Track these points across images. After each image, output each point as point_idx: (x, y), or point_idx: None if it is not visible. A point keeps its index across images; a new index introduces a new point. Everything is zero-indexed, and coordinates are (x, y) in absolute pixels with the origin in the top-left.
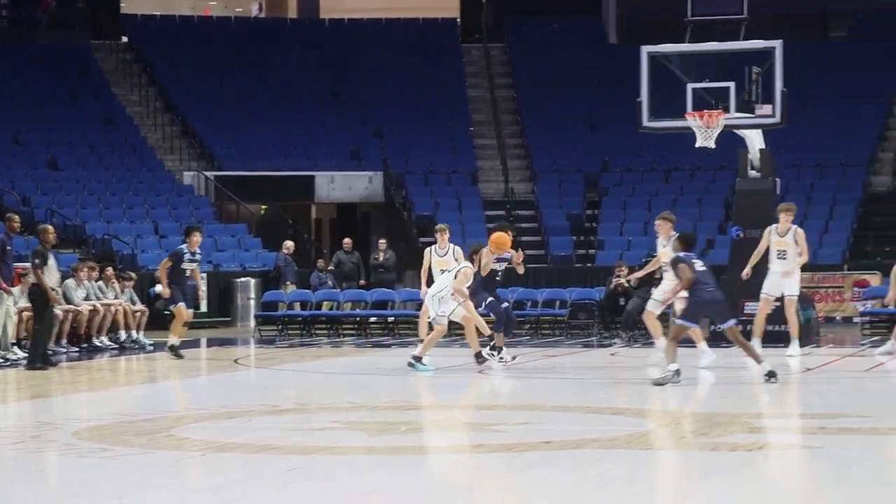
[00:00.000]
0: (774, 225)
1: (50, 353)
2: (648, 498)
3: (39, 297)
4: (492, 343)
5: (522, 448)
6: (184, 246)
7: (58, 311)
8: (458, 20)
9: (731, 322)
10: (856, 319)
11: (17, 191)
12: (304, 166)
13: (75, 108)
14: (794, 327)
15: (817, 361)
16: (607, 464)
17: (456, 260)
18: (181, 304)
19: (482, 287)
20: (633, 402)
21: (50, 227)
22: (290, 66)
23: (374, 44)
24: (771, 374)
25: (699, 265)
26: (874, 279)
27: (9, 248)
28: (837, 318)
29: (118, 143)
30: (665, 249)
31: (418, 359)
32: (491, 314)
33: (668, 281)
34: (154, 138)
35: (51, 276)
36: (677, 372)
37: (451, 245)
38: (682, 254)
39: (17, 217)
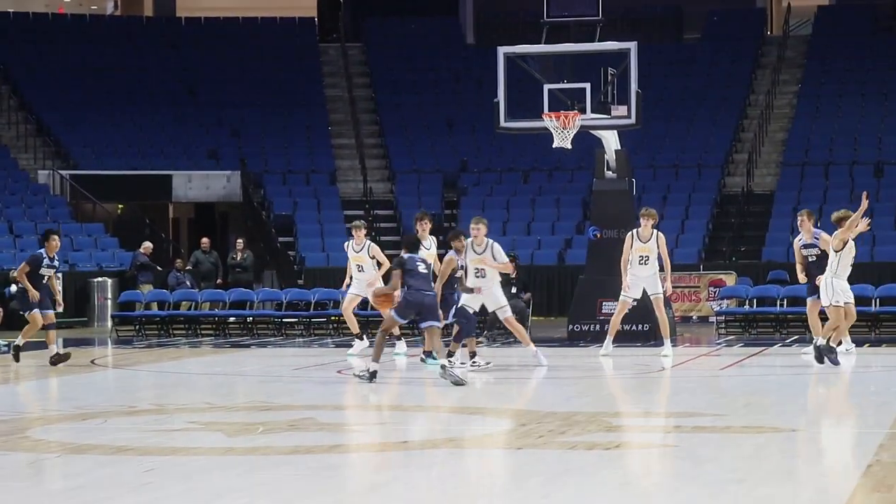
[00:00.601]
0: (635, 230)
1: None
2: (505, 497)
3: None
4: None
5: (380, 448)
6: (42, 251)
7: None
8: (316, 20)
9: (431, 324)
10: (711, 319)
11: None
12: (162, 165)
13: None
14: (664, 326)
15: (674, 361)
16: (464, 464)
17: (371, 257)
18: (35, 311)
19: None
20: (493, 402)
21: None
22: (146, 65)
23: (231, 43)
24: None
25: (422, 267)
26: (729, 279)
27: None
28: (694, 317)
29: None
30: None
31: (428, 353)
32: (457, 322)
33: None
34: (8, 136)
35: None
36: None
37: (367, 241)
38: (405, 255)
39: None
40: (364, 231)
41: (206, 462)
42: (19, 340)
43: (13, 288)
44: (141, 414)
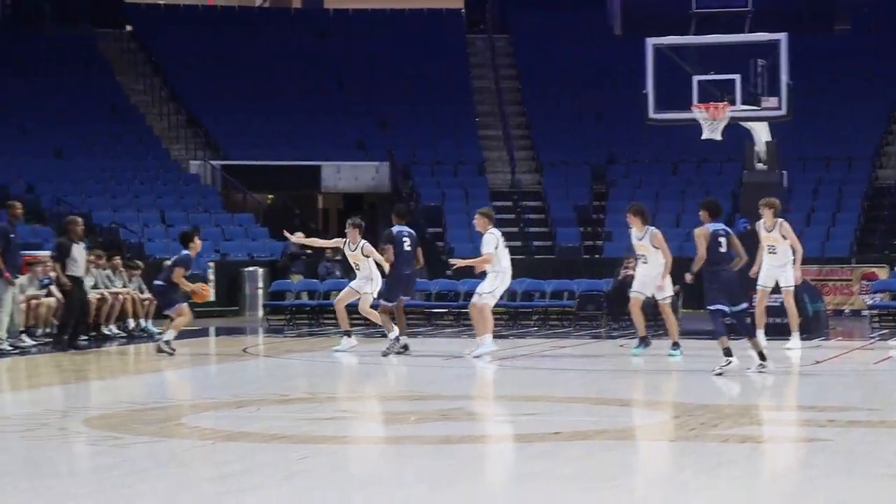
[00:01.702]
0: (761, 220)
1: (85, 339)
2: (657, 489)
3: (61, 287)
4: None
5: (531, 439)
6: (187, 252)
7: (106, 294)
8: (463, 11)
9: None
10: (864, 312)
11: (23, 179)
12: (311, 156)
13: (81, 98)
14: (793, 319)
15: (826, 354)
16: (616, 455)
17: (365, 256)
18: (183, 304)
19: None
20: (643, 394)
21: (78, 219)
22: (295, 56)
23: (379, 34)
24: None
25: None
26: (882, 272)
27: (12, 235)
28: (846, 311)
29: (124, 132)
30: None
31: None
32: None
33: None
34: (160, 127)
35: (77, 266)
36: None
37: (362, 240)
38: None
39: (18, 205)
40: (358, 230)
41: (357, 451)
42: (169, 335)
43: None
44: (293, 402)
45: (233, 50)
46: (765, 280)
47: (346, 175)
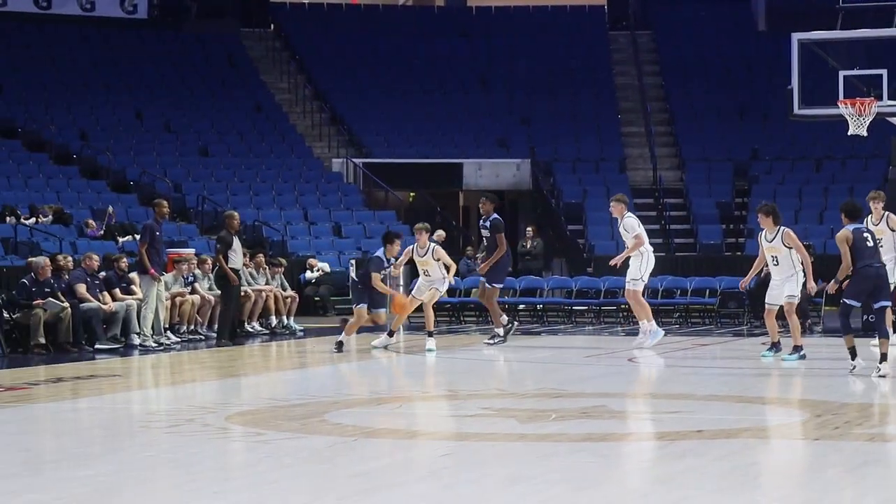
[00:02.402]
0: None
1: (241, 332)
2: (805, 487)
3: (222, 281)
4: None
5: (674, 437)
6: (379, 254)
7: (249, 291)
8: (606, 7)
9: None
10: None
11: (168, 177)
12: (452, 154)
13: (225, 96)
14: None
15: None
16: (759, 454)
17: (436, 259)
18: (363, 307)
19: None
20: (784, 392)
21: (235, 213)
22: (437, 54)
23: (522, 31)
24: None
25: None
26: None
27: (158, 233)
28: None
29: (268, 130)
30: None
31: None
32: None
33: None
34: (303, 126)
35: (236, 259)
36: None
37: (431, 244)
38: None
39: (165, 203)
40: (427, 234)
41: (499, 448)
42: (342, 337)
43: (308, 274)
44: (434, 399)
45: (375, 48)
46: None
47: (487, 172)
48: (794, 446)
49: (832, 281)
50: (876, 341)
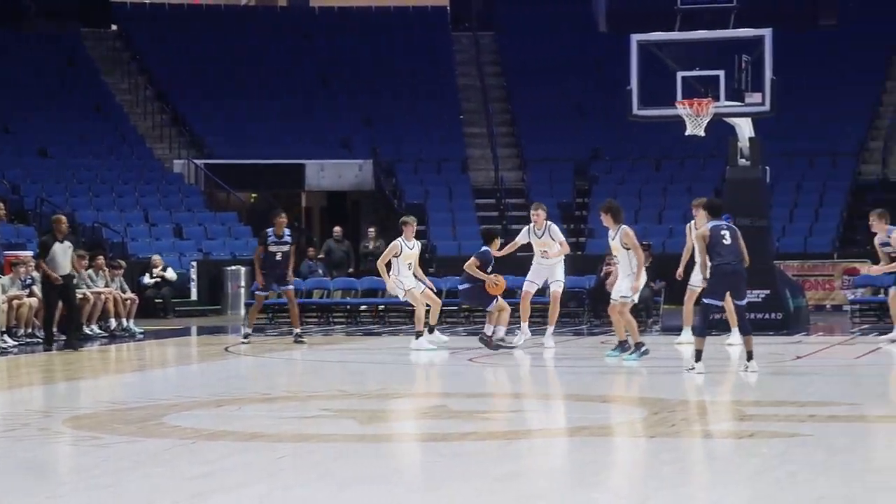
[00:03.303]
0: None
1: (82, 336)
2: (641, 484)
3: (45, 285)
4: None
5: (514, 436)
6: (487, 249)
7: (88, 293)
8: (448, 8)
9: None
10: (845, 307)
11: (6, 179)
12: (294, 154)
13: (65, 97)
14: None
15: (807, 350)
16: (599, 451)
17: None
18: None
19: None
20: (623, 390)
21: (62, 218)
22: (280, 55)
23: (364, 32)
24: None
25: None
26: (864, 267)
27: None
28: (827, 306)
29: (108, 131)
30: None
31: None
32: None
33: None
34: (144, 126)
35: (59, 263)
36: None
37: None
38: None
39: (1, 205)
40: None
41: (338, 449)
42: (500, 332)
43: (147, 279)
44: (274, 401)
45: (218, 49)
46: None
47: (329, 173)
48: (631, 444)
49: (702, 278)
50: (730, 339)
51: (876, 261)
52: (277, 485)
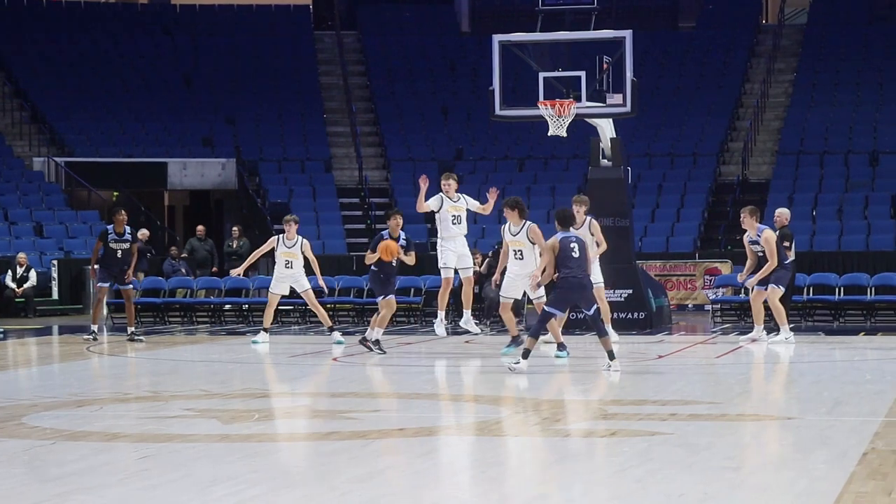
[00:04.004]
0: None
1: None
2: (502, 483)
3: None
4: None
5: (376, 435)
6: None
7: None
8: (311, 7)
9: None
10: (707, 307)
11: None
12: (156, 153)
13: None
14: (606, 315)
15: (669, 349)
16: (461, 451)
17: (303, 252)
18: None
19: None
20: (488, 390)
21: None
22: (141, 53)
23: (226, 30)
24: None
25: None
26: (725, 267)
27: None
28: (689, 305)
29: None
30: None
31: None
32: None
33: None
34: (3, 124)
35: None
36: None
37: (299, 237)
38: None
39: None
40: (296, 226)
41: (201, 449)
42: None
43: (8, 279)
44: (136, 401)
45: (78, 46)
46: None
47: (192, 172)
48: (493, 443)
49: (537, 284)
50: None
51: (739, 260)
52: (139, 485)
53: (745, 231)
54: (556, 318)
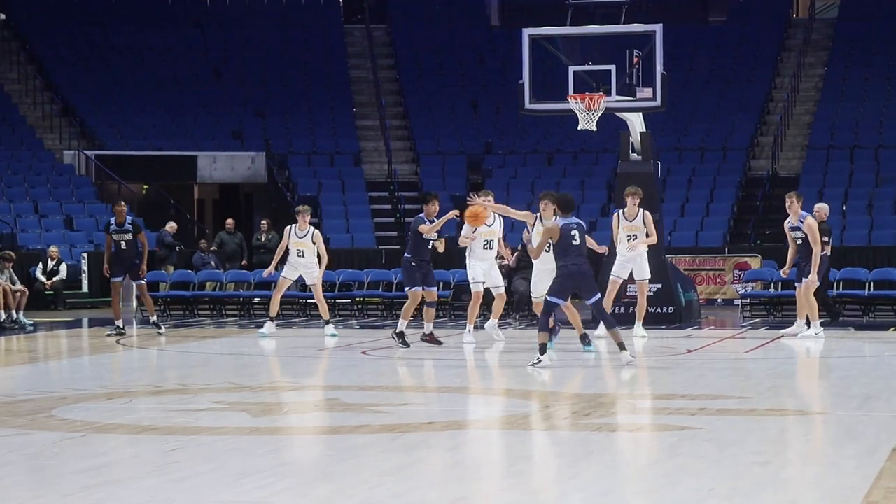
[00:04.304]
0: (621, 210)
1: None
2: (531, 477)
3: None
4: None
5: (405, 429)
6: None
7: None
8: (341, 1)
9: None
10: (736, 302)
11: None
12: (186, 146)
13: None
14: (641, 310)
15: (698, 343)
16: (491, 444)
17: (314, 243)
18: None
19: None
20: (517, 384)
21: None
22: (171, 45)
23: (257, 23)
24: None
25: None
26: (754, 262)
27: None
28: (718, 300)
29: None
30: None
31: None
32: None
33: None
34: (34, 117)
35: None
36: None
37: (311, 227)
38: None
39: None
40: (308, 217)
41: (230, 442)
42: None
43: (38, 272)
44: (166, 394)
45: (109, 39)
46: (619, 271)
47: (221, 165)
48: (522, 437)
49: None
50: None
51: (768, 255)
52: (168, 478)
53: (787, 217)
54: (562, 307)
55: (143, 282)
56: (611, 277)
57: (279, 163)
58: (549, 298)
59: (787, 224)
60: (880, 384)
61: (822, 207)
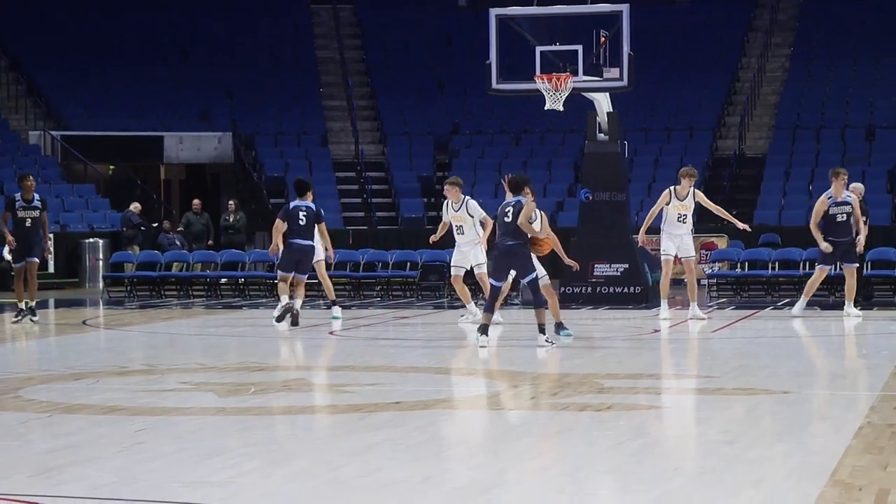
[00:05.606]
0: (673, 187)
1: None
2: (497, 457)
3: None
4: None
5: (372, 409)
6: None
7: None
8: None
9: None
10: (703, 282)
11: None
12: (153, 126)
13: None
14: (693, 288)
15: (665, 323)
16: (458, 424)
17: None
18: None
19: None
20: (484, 364)
21: None
22: (138, 25)
23: (224, 3)
24: None
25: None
26: (721, 242)
27: None
28: (685, 280)
29: None
30: (457, 213)
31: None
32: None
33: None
34: None
35: None
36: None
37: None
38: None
39: None
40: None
41: (197, 422)
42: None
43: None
44: (132, 374)
45: (74, 19)
46: (668, 248)
47: (188, 145)
48: (490, 416)
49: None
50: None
51: (735, 235)
52: (136, 458)
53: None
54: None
55: (36, 260)
56: (662, 257)
57: (246, 143)
58: (490, 281)
59: (829, 200)
60: (849, 363)
61: (858, 187)
